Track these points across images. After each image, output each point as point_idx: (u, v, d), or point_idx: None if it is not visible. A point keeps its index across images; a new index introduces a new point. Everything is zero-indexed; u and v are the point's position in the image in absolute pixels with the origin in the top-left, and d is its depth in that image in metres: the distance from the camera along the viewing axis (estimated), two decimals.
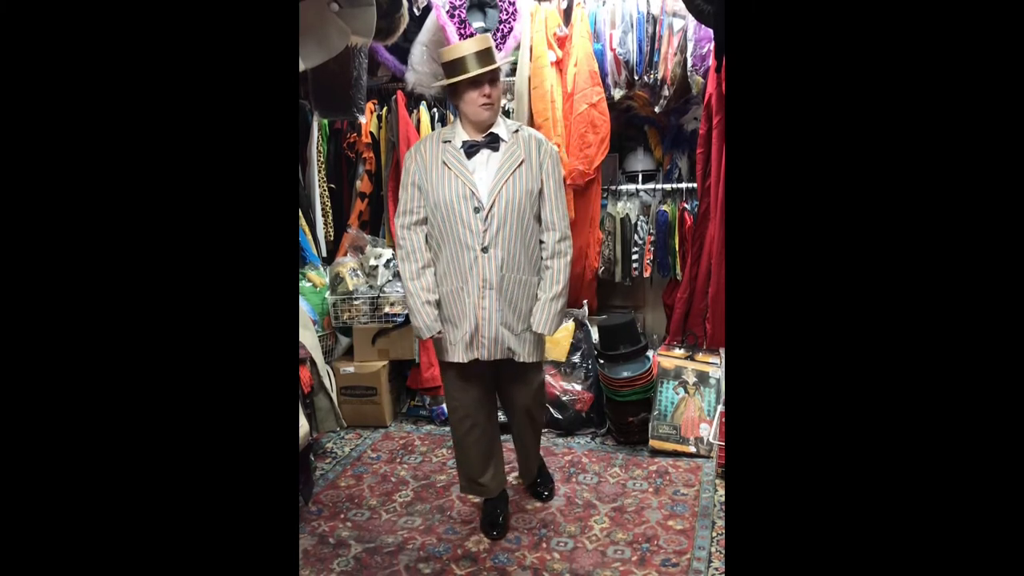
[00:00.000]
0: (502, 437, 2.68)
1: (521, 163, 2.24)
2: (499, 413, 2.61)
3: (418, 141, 2.39)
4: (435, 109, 3.62)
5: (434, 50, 3.51)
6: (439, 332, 2.33)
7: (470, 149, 2.25)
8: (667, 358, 3.30)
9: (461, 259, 2.25)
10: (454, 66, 2.19)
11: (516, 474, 2.84)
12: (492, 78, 2.19)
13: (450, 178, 2.23)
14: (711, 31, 2.93)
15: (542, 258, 2.34)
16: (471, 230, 2.22)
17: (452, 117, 3.57)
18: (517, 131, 2.30)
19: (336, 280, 3.43)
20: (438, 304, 2.32)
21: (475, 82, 2.18)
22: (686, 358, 3.30)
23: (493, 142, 2.26)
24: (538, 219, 2.31)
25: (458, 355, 2.32)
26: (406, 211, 2.31)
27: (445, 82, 2.22)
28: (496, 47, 3.45)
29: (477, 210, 2.21)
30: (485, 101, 2.19)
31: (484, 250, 2.22)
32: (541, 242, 2.33)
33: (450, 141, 2.27)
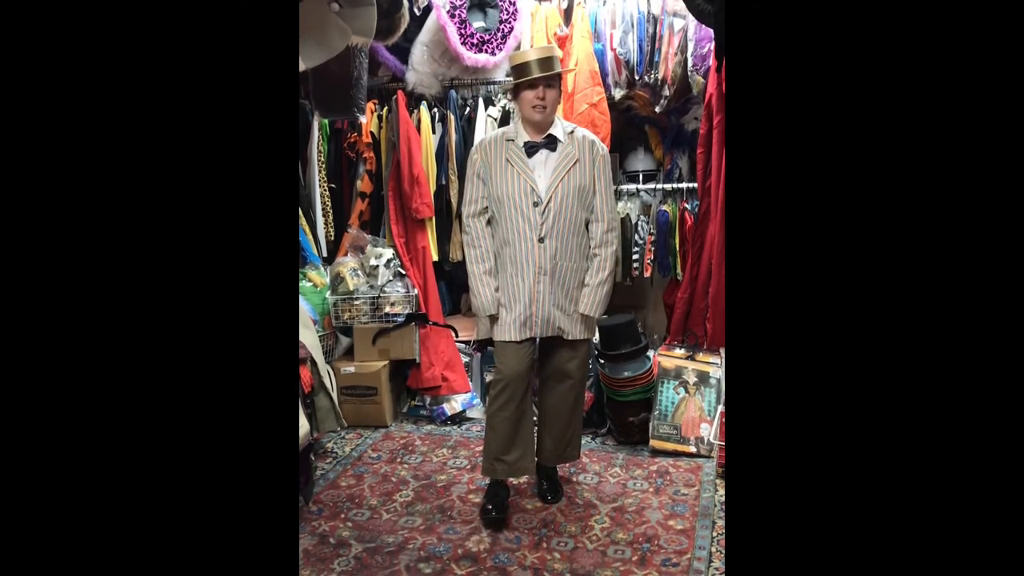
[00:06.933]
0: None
1: (575, 162, 2.46)
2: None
3: (483, 138, 2.66)
4: (435, 109, 3.62)
5: (435, 50, 3.51)
6: (496, 311, 2.52)
7: (531, 149, 2.46)
8: (667, 358, 3.30)
9: (519, 247, 2.46)
10: (518, 70, 2.43)
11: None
12: (549, 83, 2.40)
13: (513, 174, 2.45)
14: (711, 31, 2.93)
15: (590, 246, 2.54)
16: (530, 222, 2.44)
17: (452, 117, 3.58)
18: (572, 132, 2.51)
19: (336, 280, 3.43)
20: (497, 288, 2.54)
21: (532, 84, 2.40)
22: (686, 358, 3.30)
23: (551, 143, 2.47)
24: (588, 212, 2.51)
25: (512, 334, 2.50)
26: (471, 200, 2.54)
27: (512, 82, 2.48)
28: (496, 47, 3.48)
29: (536, 204, 2.43)
30: (538, 102, 2.40)
31: (540, 240, 2.44)
32: (589, 232, 2.53)
33: (513, 140, 2.49)
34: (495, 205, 2.49)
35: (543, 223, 2.43)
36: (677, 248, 3.54)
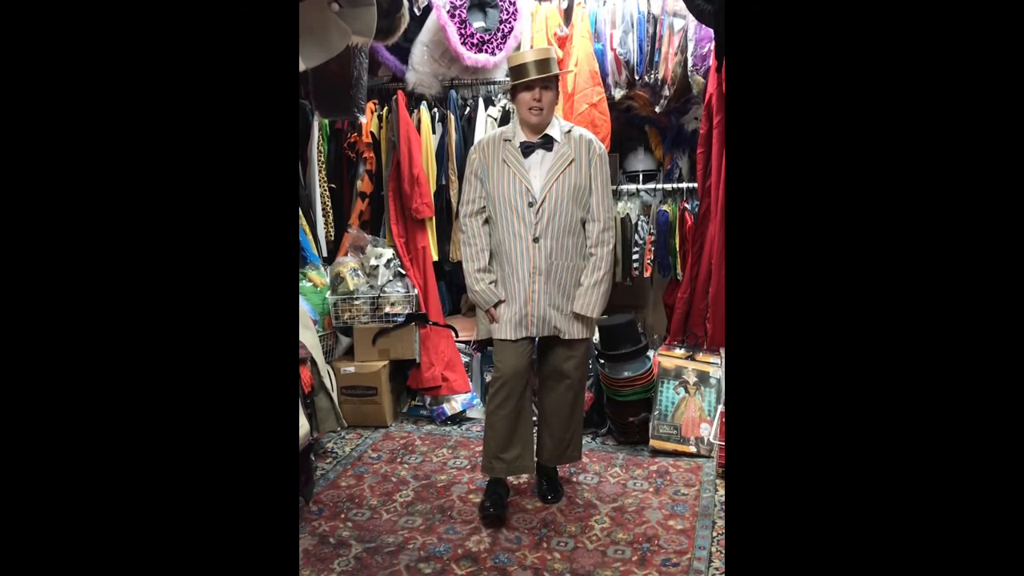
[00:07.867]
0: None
1: (571, 162, 2.46)
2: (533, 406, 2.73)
3: (482, 138, 2.66)
4: (435, 109, 3.62)
5: (435, 50, 3.51)
6: (497, 304, 2.52)
7: (527, 149, 2.47)
8: (668, 358, 3.30)
9: (514, 247, 2.47)
10: (515, 71, 2.43)
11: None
12: (545, 85, 2.40)
13: (509, 175, 2.46)
14: (711, 31, 2.93)
15: (587, 246, 2.53)
16: (524, 222, 2.44)
17: (452, 117, 3.58)
18: (569, 132, 2.50)
19: (337, 280, 3.43)
20: (494, 282, 2.55)
21: (529, 86, 2.41)
22: (687, 358, 3.30)
23: (547, 143, 2.47)
24: (584, 211, 2.50)
25: (509, 333, 2.51)
26: (468, 200, 2.56)
27: (509, 83, 2.48)
28: (496, 47, 3.48)
29: (531, 204, 2.44)
30: (534, 104, 2.40)
31: (535, 240, 2.45)
32: (586, 231, 2.52)
33: (510, 140, 2.50)
34: (492, 205, 2.50)
35: (538, 223, 2.43)
36: (677, 248, 3.54)
